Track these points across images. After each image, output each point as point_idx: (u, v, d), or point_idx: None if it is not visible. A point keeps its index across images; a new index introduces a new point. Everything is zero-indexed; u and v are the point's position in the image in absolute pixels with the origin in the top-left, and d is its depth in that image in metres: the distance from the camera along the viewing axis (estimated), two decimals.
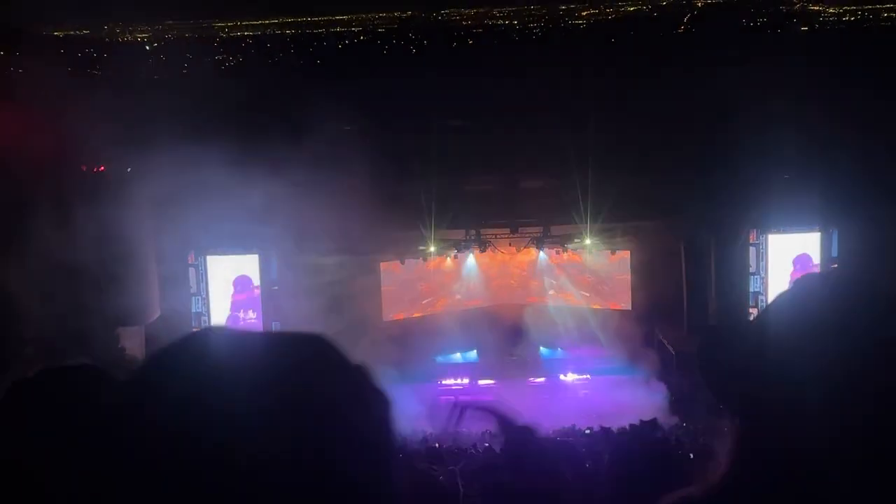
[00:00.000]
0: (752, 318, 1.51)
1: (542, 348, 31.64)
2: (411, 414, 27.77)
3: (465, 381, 30.66)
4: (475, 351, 31.61)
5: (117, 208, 24.67)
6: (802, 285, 1.62)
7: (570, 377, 30.94)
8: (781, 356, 1.44)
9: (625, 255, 31.75)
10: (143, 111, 29.42)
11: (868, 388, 1.38)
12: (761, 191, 27.27)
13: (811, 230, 29.52)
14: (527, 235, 30.89)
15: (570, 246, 31.30)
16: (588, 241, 31.01)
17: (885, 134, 27.07)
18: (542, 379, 30.62)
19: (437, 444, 22.36)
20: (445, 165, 28.35)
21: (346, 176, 26.30)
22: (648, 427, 22.19)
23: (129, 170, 28.24)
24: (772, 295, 29.06)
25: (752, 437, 1.51)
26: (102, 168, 28.34)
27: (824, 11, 51.43)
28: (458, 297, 32.20)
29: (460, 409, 2.21)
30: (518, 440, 2.38)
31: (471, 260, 31.74)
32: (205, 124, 25.91)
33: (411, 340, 30.49)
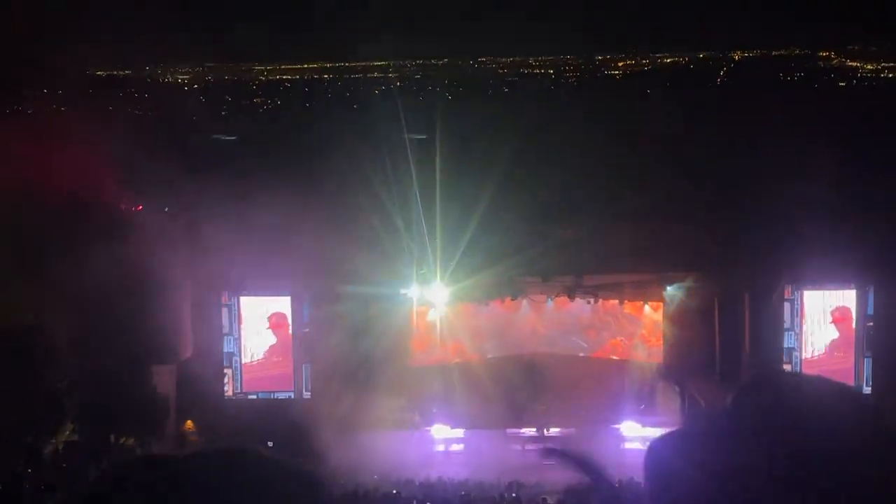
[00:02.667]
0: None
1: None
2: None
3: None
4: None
5: (153, 248, 24.90)
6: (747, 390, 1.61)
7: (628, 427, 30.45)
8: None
9: (657, 308, 31.53)
10: (182, 152, 29.81)
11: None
12: (796, 246, 27.10)
13: (846, 287, 29.24)
14: (558, 283, 30.77)
15: (602, 297, 31.14)
16: (621, 293, 30.86)
17: None
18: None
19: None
20: (479, 213, 28.43)
21: (380, 222, 26.48)
22: None
23: (165, 209, 28.58)
24: (807, 350, 28.86)
25: None
26: (140, 207, 28.68)
27: (862, 67, 51.34)
28: (488, 352, 32.05)
29: (556, 454, 2.21)
30: (611, 496, 2.38)
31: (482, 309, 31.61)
32: (242, 166, 26.21)
33: (439, 385, 30.43)
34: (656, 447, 1.65)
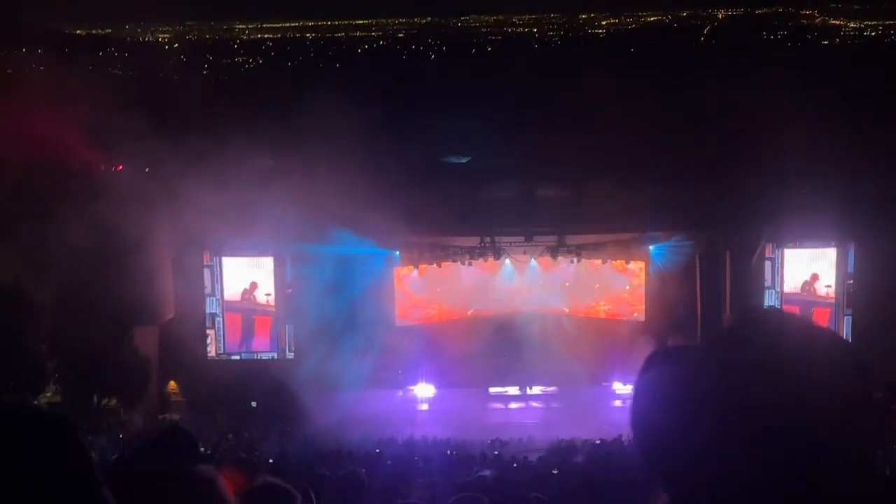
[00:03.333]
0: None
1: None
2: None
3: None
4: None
5: (134, 207, 24.77)
6: (739, 323, 1.59)
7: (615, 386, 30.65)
8: (723, 399, 1.42)
9: (639, 266, 31.63)
10: (163, 111, 29.55)
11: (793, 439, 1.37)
12: (778, 205, 27.18)
13: (827, 245, 29.39)
14: (541, 244, 30.80)
15: (585, 255, 31.21)
16: (603, 252, 30.94)
17: None
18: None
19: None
20: (462, 172, 28.38)
21: (362, 180, 26.36)
22: None
23: (147, 169, 28.39)
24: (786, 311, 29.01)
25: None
26: (121, 167, 28.48)
27: (845, 25, 51.25)
28: (469, 308, 32.03)
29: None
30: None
31: (484, 267, 31.65)
32: (224, 125, 26.02)
33: (422, 344, 30.53)
34: (639, 393, 1.64)
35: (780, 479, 1.39)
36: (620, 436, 24.23)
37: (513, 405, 30.65)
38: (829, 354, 1.48)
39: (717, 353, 1.52)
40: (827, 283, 29.59)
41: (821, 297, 29.69)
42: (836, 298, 29.44)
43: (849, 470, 1.40)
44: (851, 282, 29.20)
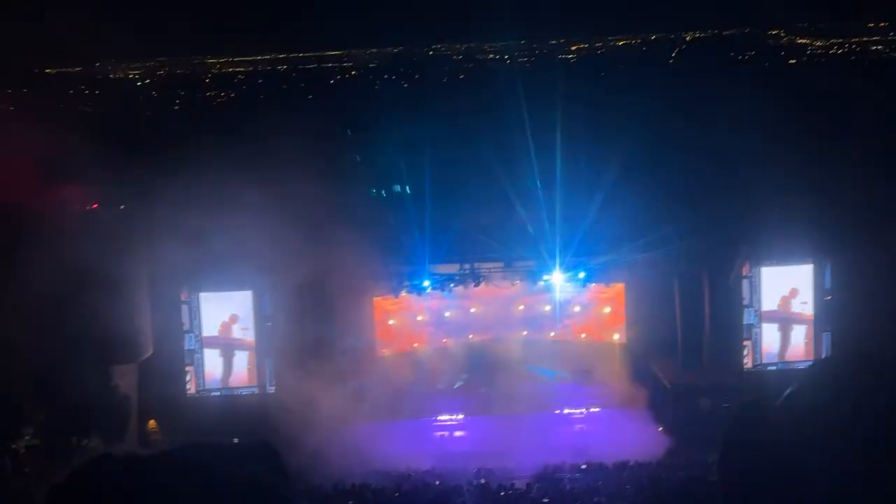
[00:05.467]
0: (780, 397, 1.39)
1: (543, 371, 31.38)
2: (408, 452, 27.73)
3: (460, 416, 30.53)
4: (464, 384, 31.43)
5: (109, 246, 24.62)
6: (823, 369, 1.57)
7: (566, 411, 30.77)
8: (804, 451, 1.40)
9: (619, 289, 31.74)
10: (136, 147, 29.45)
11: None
12: (753, 224, 27.36)
13: (804, 262, 29.57)
14: (521, 269, 30.82)
15: (564, 279, 31.28)
16: (582, 275, 31.04)
17: (874, 167, 27.20)
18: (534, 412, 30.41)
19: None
20: (439, 199, 28.39)
21: (338, 211, 26.34)
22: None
23: (121, 207, 28.25)
24: (765, 328, 29.18)
25: None
26: (95, 206, 28.33)
27: (811, 45, 51.85)
28: (450, 334, 31.96)
29: None
30: None
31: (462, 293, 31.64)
32: (197, 160, 25.93)
33: (406, 375, 30.48)
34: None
35: None
36: (601, 462, 24.29)
37: (495, 433, 30.58)
38: None
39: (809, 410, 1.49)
40: (803, 300, 29.75)
41: (798, 314, 29.83)
42: (815, 317, 29.59)
43: None
44: (829, 297, 29.36)
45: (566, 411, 30.74)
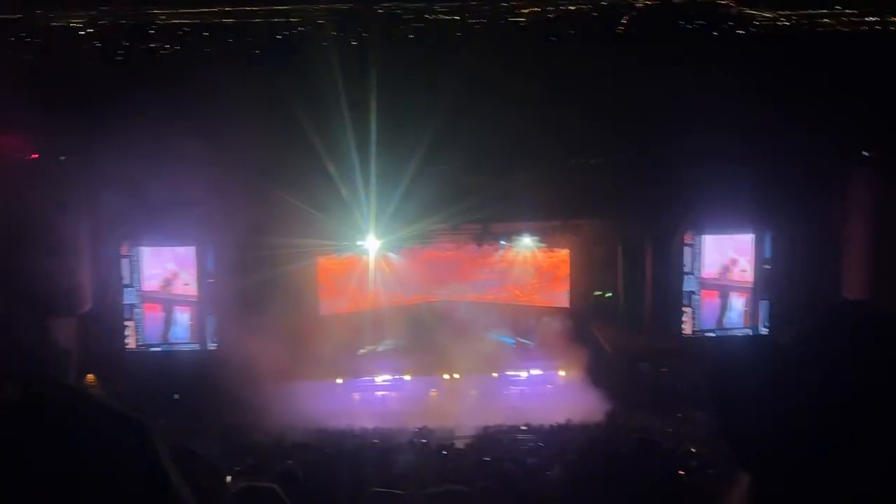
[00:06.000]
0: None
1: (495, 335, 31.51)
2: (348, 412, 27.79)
3: (402, 377, 30.59)
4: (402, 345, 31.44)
5: (48, 197, 24.18)
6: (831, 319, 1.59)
7: (509, 373, 30.99)
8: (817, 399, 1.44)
9: (563, 253, 31.97)
10: (78, 98, 28.87)
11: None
12: (697, 193, 27.62)
13: (745, 232, 30.00)
14: (467, 231, 30.84)
15: (509, 243, 31.44)
16: (527, 239, 31.23)
17: (817, 138, 27.57)
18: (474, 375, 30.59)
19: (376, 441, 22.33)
20: (385, 160, 28.22)
21: (284, 167, 26.12)
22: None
23: (62, 158, 27.71)
24: (705, 295, 29.60)
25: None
26: (34, 156, 27.75)
27: (760, 16, 52.25)
28: (400, 292, 31.93)
29: None
30: None
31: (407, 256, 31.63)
32: (141, 112, 25.47)
33: (348, 335, 30.47)
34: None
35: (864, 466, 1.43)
36: (569, 420, 24.62)
37: (433, 393, 30.73)
38: None
39: (813, 348, 1.52)
40: (743, 269, 30.22)
41: (737, 281, 30.31)
42: (754, 283, 30.08)
43: None
44: (768, 266, 29.84)
45: (509, 374, 30.97)
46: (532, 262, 32.39)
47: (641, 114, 29.84)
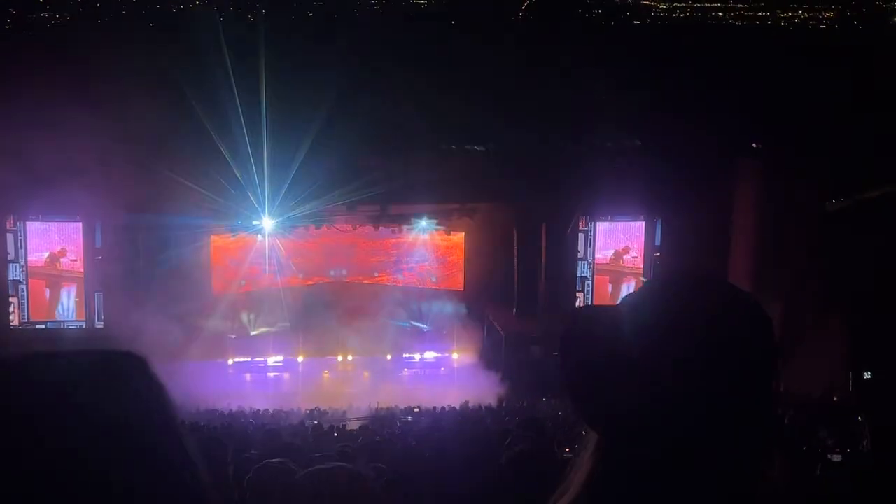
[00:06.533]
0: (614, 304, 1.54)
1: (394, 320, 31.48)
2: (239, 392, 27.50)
3: (294, 358, 30.42)
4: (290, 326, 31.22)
5: None
6: (658, 282, 1.68)
7: (403, 356, 31.11)
8: (641, 353, 1.51)
9: (459, 237, 32.15)
10: None
11: (715, 387, 1.48)
12: (591, 180, 28.05)
13: (637, 219, 30.61)
14: (364, 213, 30.73)
15: (406, 225, 31.46)
16: (424, 222, 31.31)
17: (707, 129, 28.22)
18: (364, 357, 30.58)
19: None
20: (279, 139, 27.93)
21: (179, 143, 25.63)
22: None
23: None
24: (597, 280, 30.15)
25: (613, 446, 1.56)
26: None
27: (655, 7, 53.20)
28: (286, 276, 31.63)
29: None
30: None
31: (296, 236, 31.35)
32: (28, 83, 24.66)
33: (240, 315, 30.15)
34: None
35: (692, 428, 1.50)
36: (453, 406, 24.79)
37: (326, 375, 30.64)
38: (736, 311, 1.57)
39: (639, 314, 1.58)
40: (634, 255, 30.86)
41: (628, 267, 30.94)
42: (644, 270, 30.74)
43: (755, 417, 1.52)
44: (658, 254, 30.52)
45: (403, 356, 31.07)
46: (428, 244, 32.48)
47: (538, 102, 30.08)
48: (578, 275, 30.64)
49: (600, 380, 1.56)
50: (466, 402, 26.13)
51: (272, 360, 30.29)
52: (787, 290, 25.15)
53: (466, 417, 21.64)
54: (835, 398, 23.67)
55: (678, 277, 1.65)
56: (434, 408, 25.47)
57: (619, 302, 1.64)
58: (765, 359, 1.54)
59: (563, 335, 1.63)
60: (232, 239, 30.78)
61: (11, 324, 28.24)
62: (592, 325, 1.64)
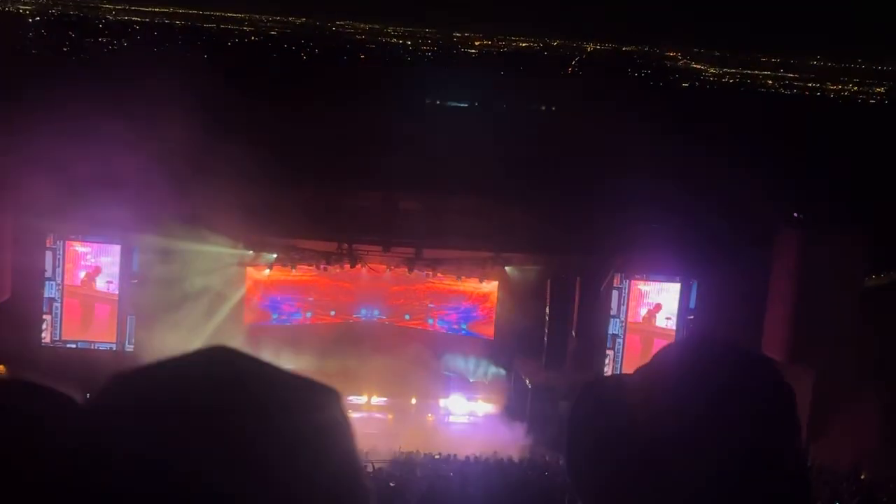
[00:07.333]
0: (626, 376, 1.46)
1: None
2: None
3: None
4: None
5: None
6: (666, 355, 1.60)
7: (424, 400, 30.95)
8: (650, 435, 1.43)
9: (492, 285, 32.09)
10: (18, 86, 28.37)
11: (732, 457, 1.40)
12: (629, 238, 27.94)
13: (672, 280, 30.36)
14: (399, 255, 30.81)
15: (440, 270, 31.47)
16: (458, 268, 31.32)
17: (750, 195, 28.07)
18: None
19: None
20: (324, 176, 28.14)
21: (220, 174, 25.86)
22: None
23: None
24: (629, 339, 29.92)
25: None
26: None
27: (705, 71, 53.26)
28: (329, 311, 31.69)
29: None
30: None
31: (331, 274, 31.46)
32: (80, 106, 25.11)
33: (269, 349, 30.18)
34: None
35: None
36: (455, 454, 24.55)
37: (355, 414, 30.51)
38: (754, 381, 1.50)
39: (650, 387, 1.52)
40: (668, 315, 30.57)
41: (661, 328, 30.63)
42: (678, 332, 30.42)
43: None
44: (692, 317, 30.22)
45: (429, 401, 30.90)
46: (461, 291, 32.46)
47: (582, 154, 30.16)
48: (609, 332, 30.38)
49: (601, 461, 1.49)
50: (494, 453, 25.88)
51: None
52: (820, 362, 24.82)
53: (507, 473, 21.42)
54: (862, 476, 23.23)
55: (695, 345, 1.59)
56: (451, 456, 25.28)
57: (634, 371, 1.58)
58: (785, 433, 1.47)
59: (570, 412, 1.58)
60: (266, 273, 30.96)
61: (43, 341, 28.47)
62: (601, 402, 1.57)
